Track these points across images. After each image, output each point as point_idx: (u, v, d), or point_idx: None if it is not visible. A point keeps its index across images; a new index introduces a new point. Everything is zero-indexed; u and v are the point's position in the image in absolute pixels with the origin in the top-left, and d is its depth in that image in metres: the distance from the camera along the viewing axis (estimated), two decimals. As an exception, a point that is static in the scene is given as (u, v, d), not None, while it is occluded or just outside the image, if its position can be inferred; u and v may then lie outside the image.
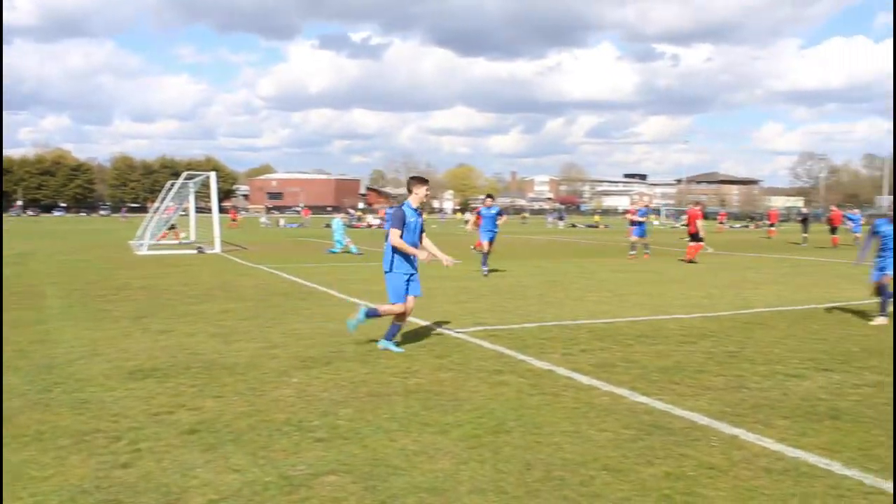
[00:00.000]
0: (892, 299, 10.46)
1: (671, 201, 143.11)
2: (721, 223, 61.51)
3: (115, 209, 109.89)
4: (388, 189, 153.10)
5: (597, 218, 76.03)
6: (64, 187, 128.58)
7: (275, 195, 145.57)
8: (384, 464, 4.74)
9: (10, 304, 11.67)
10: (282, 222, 67.60)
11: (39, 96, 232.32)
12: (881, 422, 5.78)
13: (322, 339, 9.05)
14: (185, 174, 29.29)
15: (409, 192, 8.46)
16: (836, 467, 4.75)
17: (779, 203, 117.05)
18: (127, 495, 4.24)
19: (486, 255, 18.18)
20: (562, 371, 7.41)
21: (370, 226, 59.63)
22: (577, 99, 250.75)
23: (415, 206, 8.43)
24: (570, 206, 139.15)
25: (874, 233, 10.86)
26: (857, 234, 34.94)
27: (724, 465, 4.77)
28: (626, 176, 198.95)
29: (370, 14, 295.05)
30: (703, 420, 5.77)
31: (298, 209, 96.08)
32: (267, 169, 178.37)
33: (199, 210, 34.02)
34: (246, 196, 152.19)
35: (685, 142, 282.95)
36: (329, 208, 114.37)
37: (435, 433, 5.38)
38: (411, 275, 8.37)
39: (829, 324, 10.52)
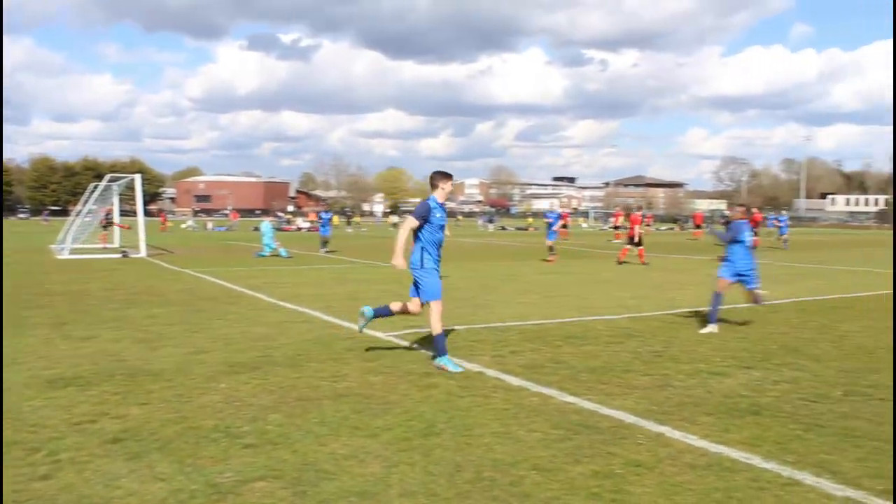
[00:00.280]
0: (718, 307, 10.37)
1: (599, 204, 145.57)
2: (647, 225, 62.81)
3: (36, 212, 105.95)
4: (317, 192, 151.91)
5: (529, 220, 76.81)
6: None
7: (202, 198, 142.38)
8: (314, 469, 4.70)
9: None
10: (210, 225, 66.35)
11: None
12: (798, 416, 5.99)
13: (250, 343, 8.92)
14: (108, 176, 28.62)
15: (434, 187, 7.95)
16: (757, 461, 4.90)
17: (703, 206, 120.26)
18: (46, 508, 4.10)
19: None
20: (491, 373, 7.46)
21: (300, 229, 59.02)
22: (507, 102, 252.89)
23: (441, 200, 7.96)
24: (500, 208, 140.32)
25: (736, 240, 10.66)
26: (784, 236, 36.19)
27: (650, 462, 4.87)
28: (556, 179, 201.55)
29: (299, 15, 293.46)
30: (629, 419, 5.88)
31: (227, 212, 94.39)
32: (194, 171, 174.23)
33: (123, 213, 33.26)
34: (173, 199, 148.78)
35: (613, 146, 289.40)
36: (258, 211, 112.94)
37: (365, 437, 5.36)
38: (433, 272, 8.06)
39: (751, 323, 10.84)
